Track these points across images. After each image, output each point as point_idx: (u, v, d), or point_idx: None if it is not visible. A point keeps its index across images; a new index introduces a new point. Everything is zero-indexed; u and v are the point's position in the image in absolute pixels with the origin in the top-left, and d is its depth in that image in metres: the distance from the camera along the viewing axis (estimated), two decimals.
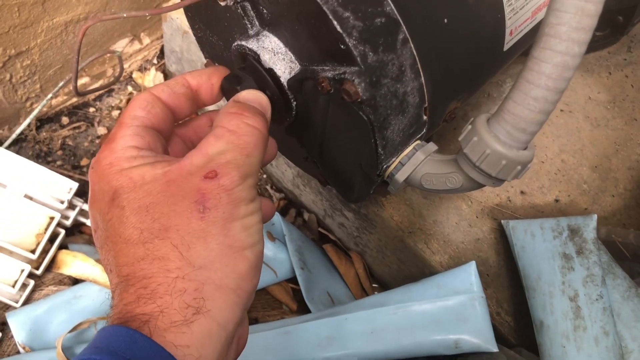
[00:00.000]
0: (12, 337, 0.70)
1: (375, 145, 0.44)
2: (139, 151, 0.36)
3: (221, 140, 0.35)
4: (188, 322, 0.31)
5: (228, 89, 0.43)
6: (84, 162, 0.92)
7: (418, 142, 0.48)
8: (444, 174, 0.46)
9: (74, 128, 0.95)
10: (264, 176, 0.93)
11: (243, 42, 0.46)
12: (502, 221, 0.68)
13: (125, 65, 0.98)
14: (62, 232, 0.76)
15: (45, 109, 0.91)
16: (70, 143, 0.94)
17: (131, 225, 0.33)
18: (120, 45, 0.94)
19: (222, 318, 0.32)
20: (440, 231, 0.69)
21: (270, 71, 0.46)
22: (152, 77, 1.00)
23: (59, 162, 0.91)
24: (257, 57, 0.46)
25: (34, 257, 0.71)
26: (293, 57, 0.45)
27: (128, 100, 0.99)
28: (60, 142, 0.93)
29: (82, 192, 0.81)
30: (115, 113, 0.98)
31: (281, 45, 0.45)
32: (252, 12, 0.45)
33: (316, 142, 0.51)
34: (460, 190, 0.46)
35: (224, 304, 0.32)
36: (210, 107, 0.73)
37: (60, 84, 0.78)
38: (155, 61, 1.01)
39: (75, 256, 0.75)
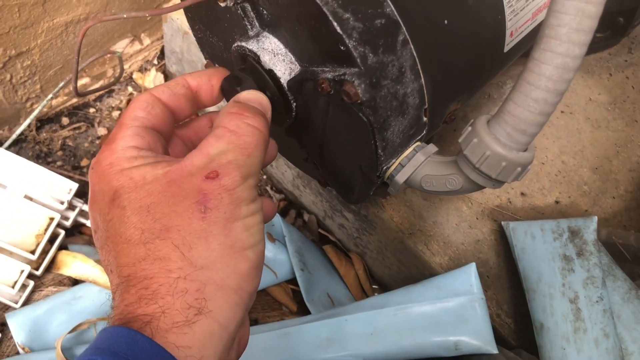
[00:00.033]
0: (11, 337, 0.70)
1: (375, 146, 0.44)
2: (139, 151, 0.36)
3: (222, 140, 0.35)
4: (190, 322, 0.31)
5: (228, 90, 0.43)
6: (84, 162, 0.92)
7: (418, 143, 0.48)
8: (444, 176, 0.46)
9: (74, 129, 0.95)
10: (264, 177, 0.93)
11: (243, 43, 0.46)
12: (503, 223, 0.68)
13: (126, 66, 0.98)
14: (62, 232, 0.76)
15: (45, 110, 0.91)
16: (70, 144, 0.94)
17: (132, 226, 0.33)
18: (121, 45, 0.94)
19: (223, 318, 0.32)
20: (440, 232, 0.69)
21: (270, 72, 0.45)
22: (152, 78, 1.00)
23: (59, 163, 0.91)
24: (257, 58, 0.46)
25: (34, 257, 0.71)
26: (293, 58, 0.45)
27: (128, 101, 0.99)
28: (60, 142, 0.93)
29: (82, 193, 0.81)
30: (116, 114, 0.98)
31: (281, 46, 0.45)
32: (252, 13, 0.45)
33: (316, 143, 0.51)
34: (460, 191, 0.46)
35: (225, 305, 0.32)
36: (211, 109, 0.73)
37: (61, 84, 0.79)
38: (155, 62, 1.01)
39: (75, 257, 0.75)
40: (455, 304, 0.63)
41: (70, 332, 0.67)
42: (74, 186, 0.77)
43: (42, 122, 0.93)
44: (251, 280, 0.34)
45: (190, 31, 0.59)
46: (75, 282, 0.76)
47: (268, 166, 0.89)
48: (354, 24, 0.39)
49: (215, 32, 0.53)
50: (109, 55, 0.93)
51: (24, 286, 0.72)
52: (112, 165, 0.35)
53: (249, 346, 0.39)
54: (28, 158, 0.82)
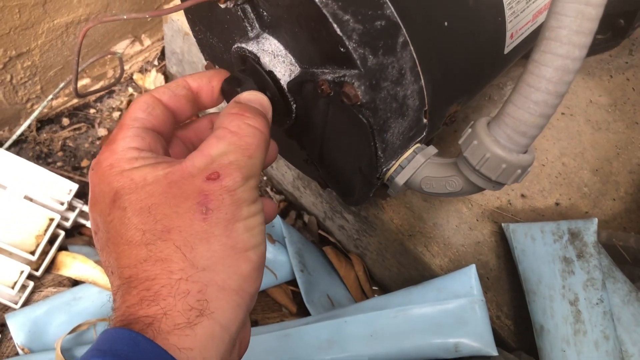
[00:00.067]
0: (11, 338, 0.70)
1: (375, 148, 0.44)
2: (140, 152, 0.36)
3: (223, 141, 0.35)
4: (191, 324, 0.31)
5: (228, 91, 0.43)
6: (84, 163, 0.92)
7: (418, 145, 0.48)
8: (444, 178, 0.46)
9: (75, 129, 0.95)
10: (264, 178, 0.93)
11: (243, 45, 0.46)
12: (503, 224, 0.68)
13: (126, 67, 0.98)
14: (62, 233, 0.76)
15: (45, 110, 0.91)
16: (70, 144, 0.94)
17: (133, 227, 0.33)
18: (121, 46, 0.94)
19: (225, 320, 0.32)
20: (441, 234, 0.69)
21: (270, 74, 0.45)
22: (152, 79, 1.00)
23: (59, 164, 0.91)
24: (257, 60, 0.46)
25: (34, 258, 0.71)
26: (293, 60, 0.45)
27: (129, 102, 0.99)
28: (60, 143, 0.93)
29: (82, 194, 0.81)
30: (116, 114, 0.98)
31: (281, 47, 0.45)
32: (252, 14, 0.45)
33: (316, 144, 0.51)
34: (460, 193, 0.45)
35: (227, 306, 0.32)
36: (211, 110, 0.73)
37: (61, 85, 0.79)
38: (156, 63, 1.01)
39: (74, 257, 0.75)
40: (455, 306, 0.63)
41: (70, 333, 0.67)
42: (74, 187, 0.77)
43: (43, 122, 0.93)
44: (253, 281, 0.34)
45: (190, 32, 0.59)
46: (75, 283, 0.76)
47: (268, 167, 0.89)
48: (354, 26, 0.39)
49: (215, 33, 0.53)
50: (109, 56, 0.94)
51: (23, 287, 0.72)
52: (113, 166, 0.35)
53: (249, 348, 0.39)
54: (28, 159, 0.82)
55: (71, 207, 0.78)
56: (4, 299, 0.71)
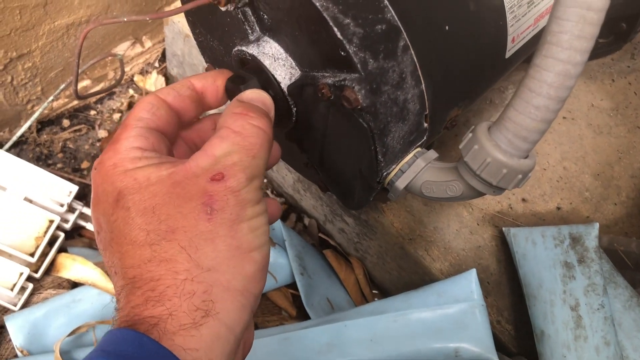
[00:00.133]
0: (10, 340, 0.69)
1: (375, 152, 0.44)
2: (143, 152, 0.35)
3: (226, 141, 0.35)
4: (197, 325, 0.30)
5: (232, 90, 0.43)
6: (84, 165, 0.92)
7: (418, 149, 0.48)
8: (445, 182, 0.45)
9: (75, 131, 0.94)
10: (265, 180, 0.93)
11: (243, 48, 0.46)
12: (504, 229, 0.67)
13: (127, 69, 0.98)
14: (62, 235, 0.76)
15: (46, 112, 0.91)
16: (70, 146, 0.94)
17: (137, 227, 0.32)
18: (122, 48, 0.94)
19: (230, 321, 0.32)
20: (441, 238, 0.69)
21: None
22: (153, 81, 1.00)
23: (59, 165, 0.91)
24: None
25: (33, 260, 0.71)
26: (293, 63, 0.45)
27: (129, 104, 0.99)
28: (60, 144, 0.93)
29: (82, 195, 0.81)
30: (117, 116, 0.98)
31: (282, 51, 0.45)
32: (252, 17, 0.45)
33: (316, 148, 0.51)
34: (460, 198, 0.45)
35: (232, 307, 0.32)
36: (213, 111, 0.72)
37: (62, 86, 0.79)
38: (156, 64, 1.01)
39: (74, 259, 0.75)
40: (456, 311, 0.62)
41: (69, 335, 0.67)
42: (74, 189, 0.77)
43: (43, 124, 0.93)
44: (257, 282, 0.34)
45: (191, 34, 0.59)
46: (74, 284, 0.76)
47: (269, 170, 0.89)
48: (355, 30, 0.39)
49: (215, 36, 0.53)
50: (110, 58, 0.93)
51: (23, 289, 0.72)
52: (116, 165, 0.35)
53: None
54: (28, 160, 0.82)
55: (71, 209, 0.78)
56: (3, 301, 0.71)
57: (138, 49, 0.97)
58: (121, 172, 0.34)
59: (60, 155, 0.92)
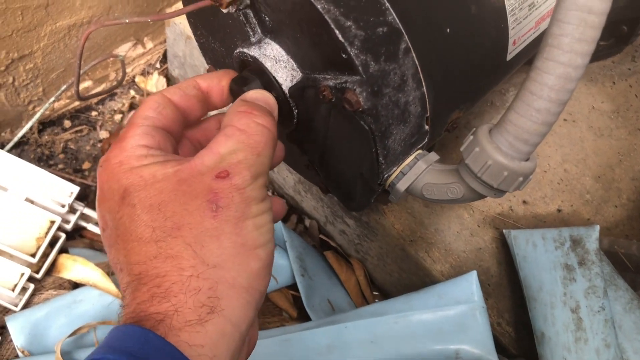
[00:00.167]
0: (11, 341, 0.69)
1: (377, 154, 0.44)
2: (149, 150, 0.36)
3: (232, 139, 0.35)
4: (202, 321, 0.31)
5: (237, 91, 0.43)
6: (85, 165, 0.92)
7: (419, 151, 0.48)
8: (446, 184, 0.45)
9: (76, 132, 0.95)
10: None
11: (245, 49, 0.46)
12: (504, 231, 0.68)
13: (128, 70, 0.98)
14: (63, 236, 0.76)
15: (47, 112, 0.92)
16: (72, 146, 0.94)
17: (143, 224, 0.33)
18: (123, 49, 0.94)
19: (235, 317, 0.32)
20: (442, 240, 0.69)
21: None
22: (154, 82, 1.00)
23: (60, 166, 0.91)
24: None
25: (34, 260, 0.71)
26: (295, 65, 0.45)
27: (130, 105, 0.99)
28: (62, 145, 0.93)
29: (83, 196, 0.81)
30: (118, 117, 0.98)
31: (283, 53, 0.45)
32: (254, 19, 0.45)
33: (317, 150, 0.51)
34: (461, 200, 0.45)
35: (237, 304, 0.32)
36: (215, 112, 0.73)
37: (63, 87, 0.79)
38: (158, 65, 1.01)
39: (75, 260, 0.75)
40: (456, 312, 0.62)
41: (70, 335, 0.67)
42: (75, 189, 0.77)
43: (44, 124, 0.93)
44: (262, 279, 0.34)
45: (192, 36, 0.59)
46: (75, 285, 0.76)
47: (271, 170, 0.89)
48: (356, 32, 0.39)
49: (217, 37, 0.53)
50: (111, 59, 0.94)
51: (24, 289, 0.72)
52: (122, 163, 0.35)
53: None
54: (30, 161, 0.83)
55: (72, 210, 0.78)
56: (4, 301, 0.71)
57: (139, 50, 0.97)
58: (127, 169, 0.34)
59: (61, 156, 0.92)
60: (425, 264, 0.68)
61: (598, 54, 0.80)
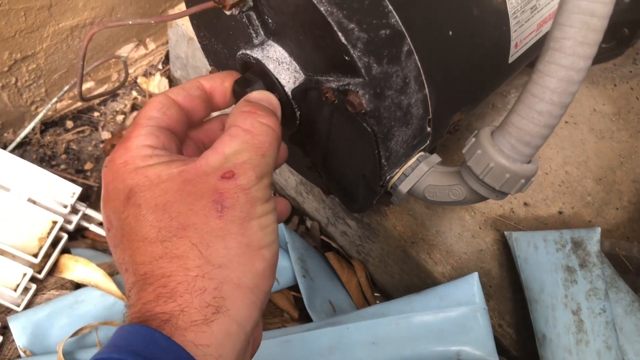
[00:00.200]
0: (13, 341, 0.70)
1: (379, 156, 0.44)
2: (154, 150, 0.36)
3: (236, 139, 0.35)
4: (208, 321, 0.31)
5: (240, 92, 0.43)
6: (87, 166, 0.93)
7: (422, 153, 0.48)
8: (448, 186, 0.46)
9: (78, 132, 0.95)
10: None
11: (248, 51, 0.46)
12: (505, 232, 0.68)
13: (130, 70, 0.99)
14: (65, 236, 0.76)
15: (50, 113, 0.92)
16: (74, 147, 0.94)
17: (148, 224, 0.33)
18: (126, 50, 0.95)
19: (240, 317, 0.32)
20: (443, 242, 0.69)
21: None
22: (156, 83, 1.00)
23: (62, 166, 0.92)
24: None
25: (36, 261, 0.71)
26: (297, 67, 0.45)
27: (133, 105, 0.99)
28: (64, 146, 0.93)
29: (85, 197, 0.82)
30: (120, 118, 0.98)
31: (286, 55, 0.45)
32: (257, 21, 0.46)
33: (320, 151, 0.51)
34: (463, 202, 0.45)
35: (242, 304, 0.32)
36: (216, 114, 0.73)
37: (65, 88, 0.79)
38: (160, 66, 1.02)
39: (77, 261, 0.75)
40: (458, 314, 0.62)
41: (72, 336, 0.67)
42: (77, 190, 0.77)
43: (47, 125, 0.93)
44: (266, 279, 0.34)
45: (195, 37, 0.60)
46: (77, 286, 0.76)
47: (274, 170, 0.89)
48: (359, 35, 0.39)
49: (220, 39, 0.53)
50: (113, 60, 0.94)
51: (26, 289, 0.72)
52: (127, 163, 0.35)
53: None
54: (32, 161, 0.83)
55: (74, 210, 0.78)
56: (7, 302, 0.72)
57: (142, 51, 0.97)
58: (132, 169, 0.35)
59: (63, 156, 0.92)
60: (426, 266, 0.69)
61: (599, 57, 0.80)
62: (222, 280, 0.32)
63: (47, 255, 0.74)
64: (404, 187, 0.47)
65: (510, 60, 0.52)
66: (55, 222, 0.74)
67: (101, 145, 0.95)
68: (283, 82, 0.45)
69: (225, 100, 0.44)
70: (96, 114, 0.97)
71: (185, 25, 0.85)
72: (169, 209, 0.33)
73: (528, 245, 0.65)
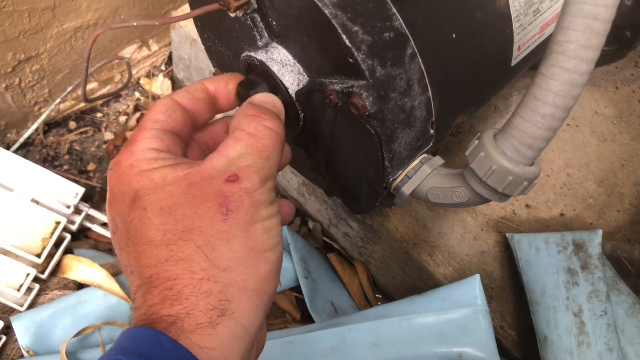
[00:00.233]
0: (16, 340, 0.70)
1: (382, 158, 0.44)
2: (159, 153, 0.36)
3: (241, 143, 0.35)
4: (213, 324, 0.31)
5: (244, 94, 0.43)
6: (90, 166, 0.93)
7: (425, 155, 0.48)
8: (450, 188, 0.46)
9: (81, 133, 0.95)
10: None
11: (252, 53, 0.47)
12: (507, 234, 0.68)
13: (133, 72, 0.99)
14: (68, 236, 0.77)
15: (53, 114, 0.92)
16: (77, 148, 0.94)
17: (154, 227, 0.33)
18: (129, 51, 0.95)
19: (245, 320, 0.32)
20: (445, 243, 0.69)
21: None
22: (159, 84, 1.00)
23: (65, 167, 0.92)
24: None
25: (40, 261, 0.72)
26: (301, 69, 0.45)
27: (135, 106, 0.99)
28: (67, 146, 0.93)
29: (88, 197, 0.82)
30: (122, 118, 0.98)
31: (290, 57, 0.46)
32: (261, 23, 0.46)
33: (323, 153, 0.51)
34: (466, 204, 0.46)
35: (247, 306, 0.32)
36: (219, 116, 0.73)
37: (69, 89, 0.79)
38: (163, 68, 1.02)
39: (80, 261, 0.75)
40: (459, 316, 0.63)
41: (75, 336, 0.67)
42: (80, 190, 0.78)
43: (50, 125, 0.94)
44: (271, 282, 0.34)
45: (198, 38, 0.60)
46: (80, 286, 0.76)
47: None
48: (363, 37, 0.39)
49: (224, 41, 0.54)
50: (116, 61, 0.94)
51: (29, 289, 0.72)
52: (132, 166, 0.35)
53: None
54: (35, 161, 0.83)
55: (77, 211, 0.79)
56: (10, 301, 0.72)
57: (145, 52, 0.97)
58: (137, 172, 0.35)
59: (66, 157, 0.93)
60: (428, 267, 0.69)
61: (601, 59, 0.80)
62: (227, 283, 0.32)
63: (50, 256, 0.74)
64: (407, 189, 0.47)
65: (513, 63, 0.52)
66: (58, 223, 0.74)
67: (104, 146, 0.95)
68: (287, 84, 0.46)
69: (230, 102, 0.44)
70: (99, 114, 0.98)
71: (188, 27, 0.85)
72: (174, 212, 0.33)
73: (530, 247, 0.65)
